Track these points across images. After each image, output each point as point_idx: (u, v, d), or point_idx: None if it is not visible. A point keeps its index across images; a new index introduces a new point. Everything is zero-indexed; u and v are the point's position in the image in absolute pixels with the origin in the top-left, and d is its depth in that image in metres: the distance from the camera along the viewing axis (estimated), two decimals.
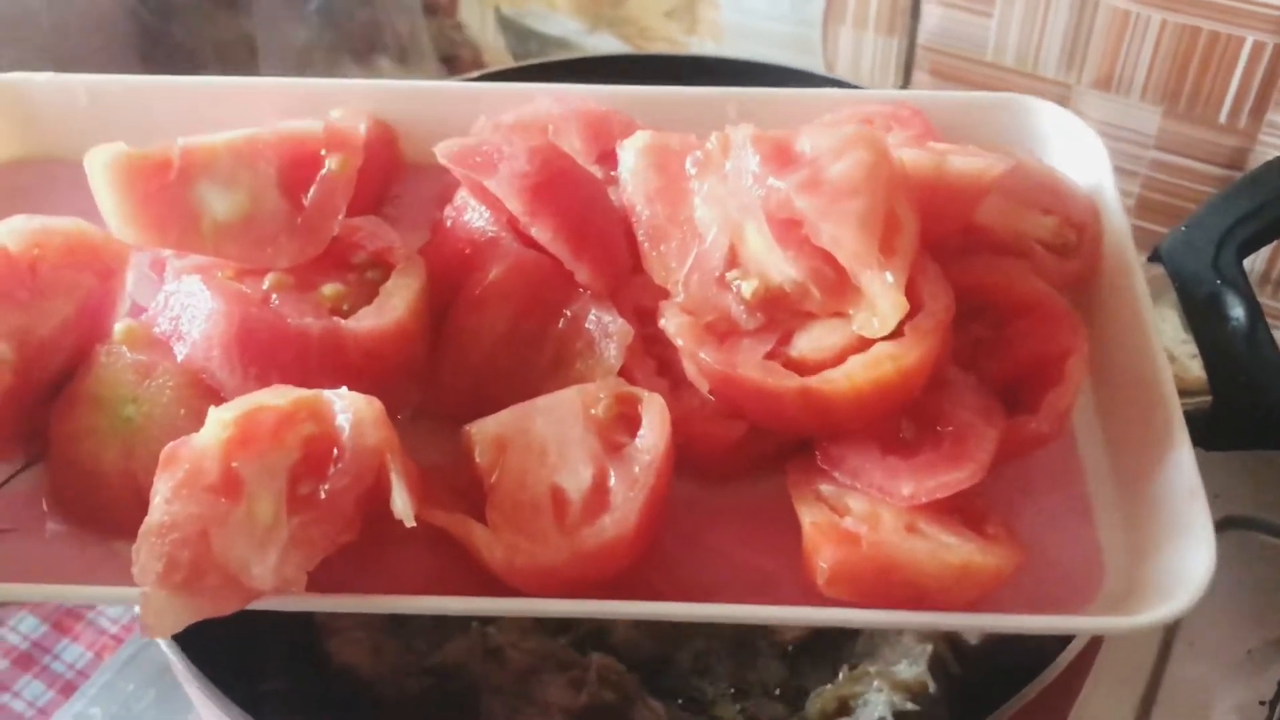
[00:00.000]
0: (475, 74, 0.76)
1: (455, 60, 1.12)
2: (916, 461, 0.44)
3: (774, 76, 0.74)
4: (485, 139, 0.50)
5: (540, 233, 0.47)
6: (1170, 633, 0.81)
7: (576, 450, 0.44)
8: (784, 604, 0.44)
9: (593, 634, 0.61)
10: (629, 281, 0.49)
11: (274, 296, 0.47)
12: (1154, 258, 0.58)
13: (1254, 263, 0.87)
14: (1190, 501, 0.45)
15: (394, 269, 0.49)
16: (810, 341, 0.45)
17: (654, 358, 0.48)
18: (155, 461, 0.43)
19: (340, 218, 0.48)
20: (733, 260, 0.46)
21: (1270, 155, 0.82)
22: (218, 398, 0.45)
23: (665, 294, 0.48)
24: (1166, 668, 0.79)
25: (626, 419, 0.45)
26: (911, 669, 0.59)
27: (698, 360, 0.45)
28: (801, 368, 0.45)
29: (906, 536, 0.42)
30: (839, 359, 0.45)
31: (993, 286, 0.48)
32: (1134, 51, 0.82)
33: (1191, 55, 0.80)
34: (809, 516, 0.43)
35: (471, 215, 0.51)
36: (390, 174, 0.57)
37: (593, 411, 0.45)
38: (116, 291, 0.50)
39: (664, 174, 0.48)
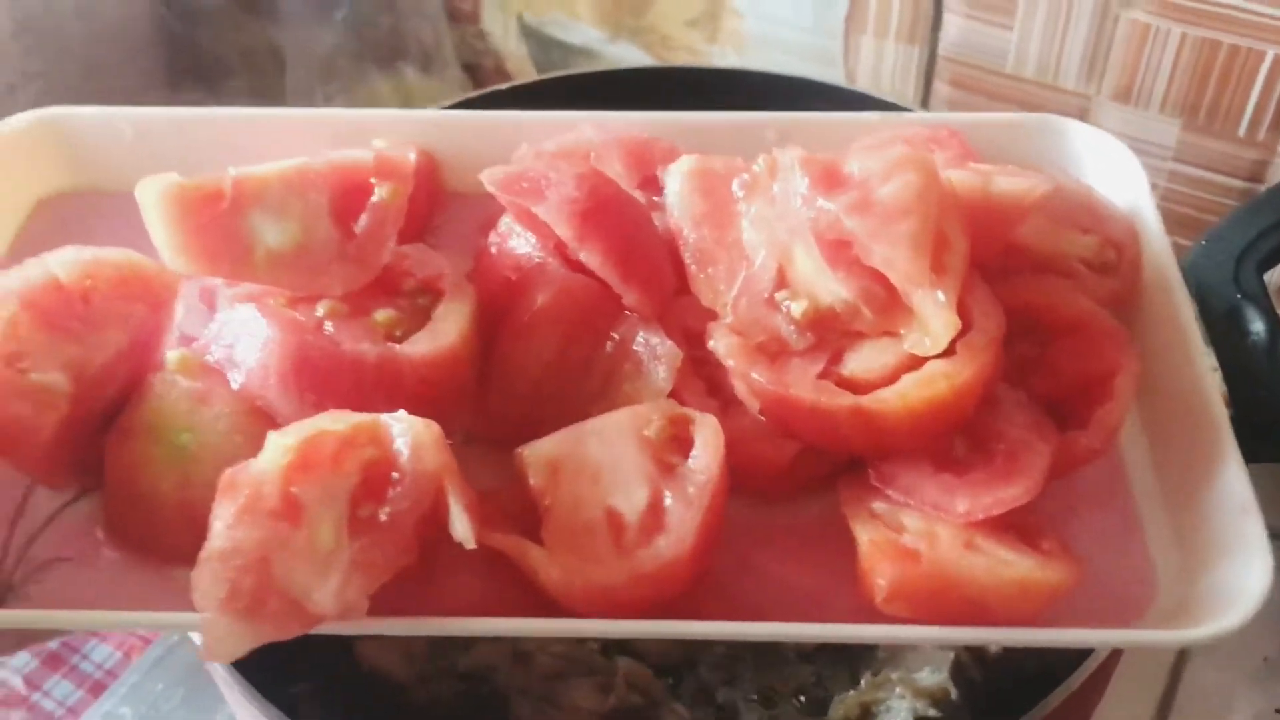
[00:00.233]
0: (503, 86, 0.76)
1: (477, 68, 1.12)
2: (971, 478, 0.44)
3: (797, 89, 0.75)
4: (530, 166, 0.51)
5: (590, 257, 0.48)
6: None
7: (630, 472, 0.45)
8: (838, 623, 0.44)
9: (619, 640, 0.62)
10: (675, 305, 0.50)
11: (327, 323, 0.47)
12: None
13: (1274, 276, 0.87)
14: (1243, 516, 0.45)
15: (444, 295, 0.49)
16: (861, 361, 0.46)
17: (703, 379, 0.48)
18: (211, 489, 0.43)
19: (391, 245, 0.49)
20: (781, 281, 0.47)
21: None
22: (273, 424, 0.46)
23: (712, 316, 0.48)
24: (1183, 676, 0.79)
25: (679, 440, 0.45)
26: (934, 676, 0.60)
27: (749, 380, 0.46)
28: (853, 387, 0.45)
29: (965, 553, 0.42)
30: (890, 378, 0.45)
31: (1039, 305, 0.49)
32: (1154, 64, 0.82)
33: (1211, 68, 0.81)
34: (866, 534, 0.43)
35: (517, 241, 0.51)
36: (433, 204, 0.57)
37: (645, 433, 0.45)
38: (167, 322, 0.51)
39: (710, 197, 0.49)
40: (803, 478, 0.47)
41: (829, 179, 0.46)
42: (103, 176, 0.59)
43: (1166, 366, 0.50)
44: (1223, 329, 0.57)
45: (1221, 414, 0.47)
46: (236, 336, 0.47)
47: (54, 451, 0.46)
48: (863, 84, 0.95)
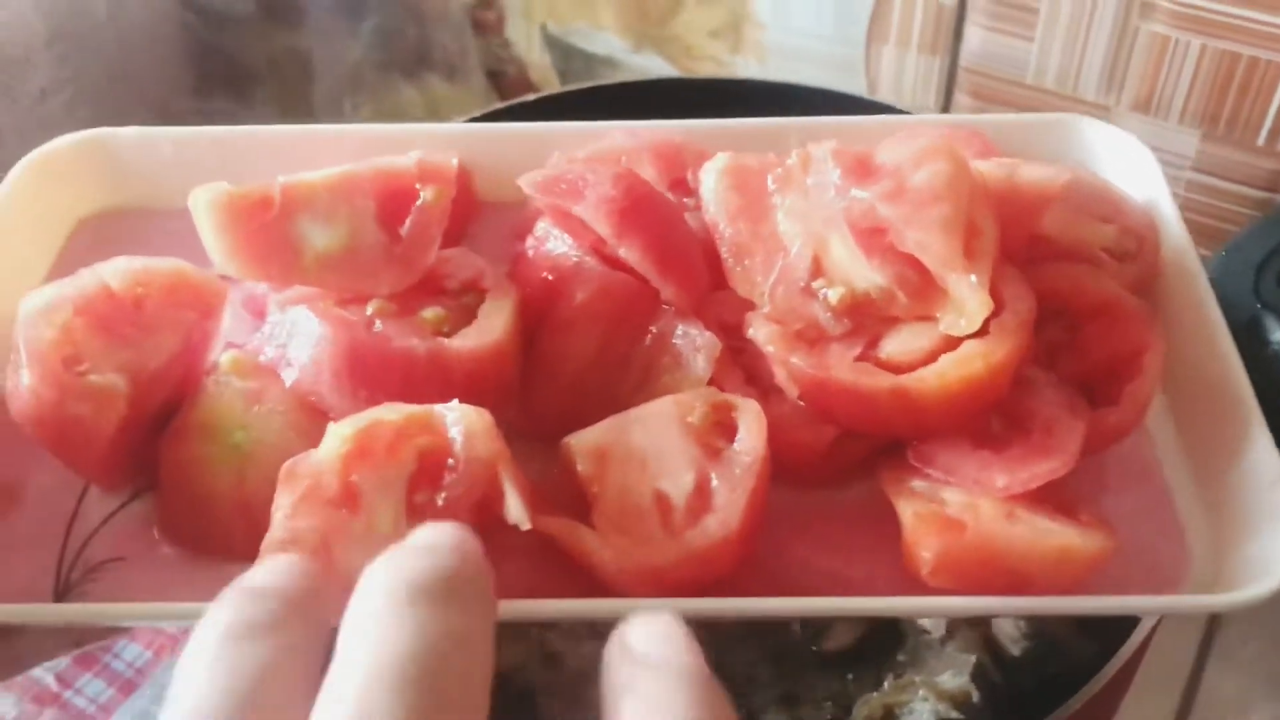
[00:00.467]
0: (530, 98, 0.78)
1: (501, 76, 1.14)
2: (1008, 454, 0.45)
3: (819, 99, 0.77)
4: (567, 169, 0.52)
5: (629, 253, 0.49)
6: (1206, 645, 0.81)
7: (676, 456, 0.46)
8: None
9: None
10: (710, 299, 0.51)
11: (377, 322, 0.49)
12: None
13: None
14: (1273, 489, 0.46)
15: (487, 293, 0.50)
16: (897, 344, 0.47)
17: (740, 369, 0.50)
18: (267, 485, 0.44)
19: (436, 246, 0.50)
20: (817, 270, 0.48)
21: None
22: (324, 421, 0.47)
23: (747, 308, 0.50)
24: (1201, 681, 0.80)
25: (722, 426, 0.47)
26: (956, 679, 0.61)
27: (789, 366, 0.47)
28: (890, 369, 0.47)
29: (1008, 524, 0.43)
30: (926, 360, 0.46)
31: (1065, 291, 0.50)
32: (1173, 75, 0.84)
33: (1231, 80, 0.83)
34: (910, 509, 0.44)
35: (554, 244, 0.53)
36: (469, 213, 0.59)
37: (689, 419, 0.47)
38: (215, 328, 0.52)
39: (745, 192, 0.51)
40: (841, 463, 0.49)
41: (861, 170, 0.47)
42: (144, 195, 0.60)
43: (1190, 348, 0.51)
44: (1243, 339, 0.57)
45: (1247, 391, 0.48)
46: (290, 336, 0.48)
47: (112, 454, 0.48)
48: (884, 94, 0.96)
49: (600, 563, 0.44)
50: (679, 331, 0.50)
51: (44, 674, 0.80)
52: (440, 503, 0.43)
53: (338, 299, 0.49)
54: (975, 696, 0.60)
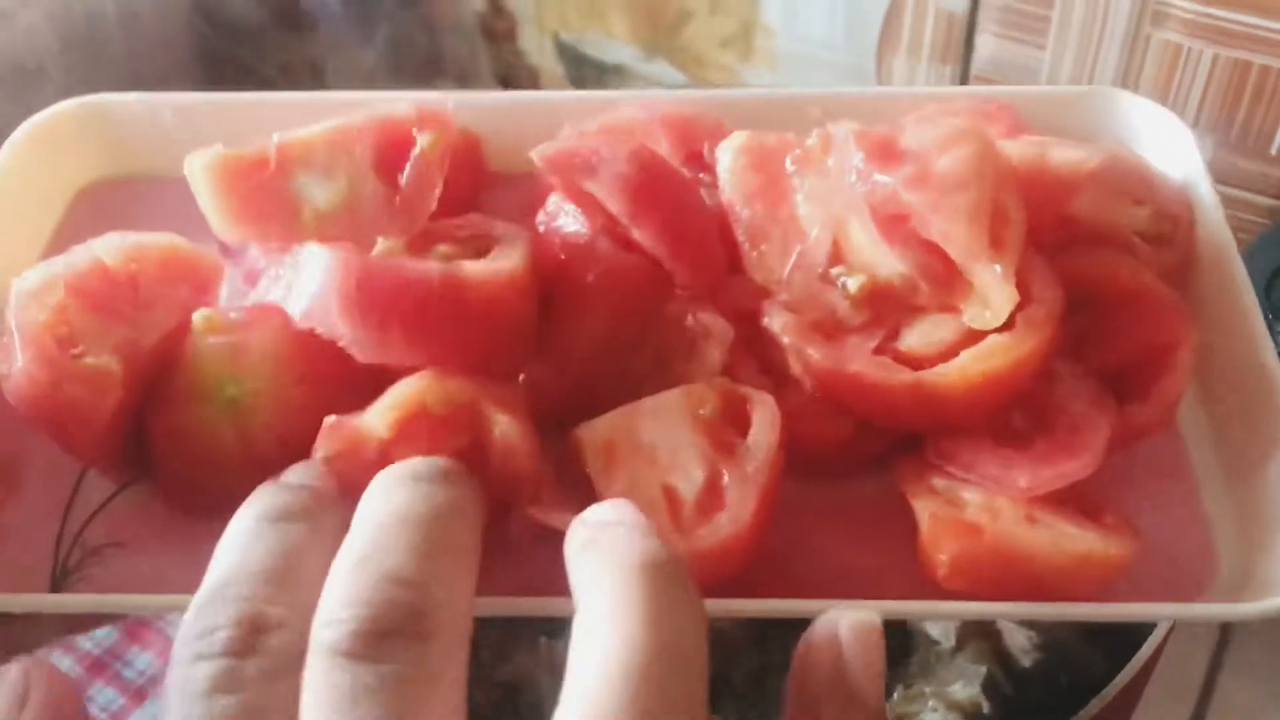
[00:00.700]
0: None
1: (513, 82, 1.13)
2: (1031, 453, 0.43)
3: None
4: (581, 142, 0.50)
5: (642, 234, 0.47)
6: (1219, 655, 0.80)
7: (687, 451, 0.44)
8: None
9: None
10: (726, 284, 0.49)
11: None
12: None
13: None
14: None
15: (499, 240, 0.49)
16: (918, 336, 0.45)
17: (755, 358, 0.48)
18: (273, 435, 0.44)
19: (437, 192, 0.49)
20: (836, 257, 0.46)
21: None
22: (323, 360, 0.45)
23: (764, 295, 0.48)
24: (1214, 692, 0.79)
25: (734, 418, 0.45)
26: (966, 690, 0.60)
27: (805, 357, 0.45)
28: (910, 363, 0.45)
29: (1028, 527, 0.42)
30: (948, 353, 0.44)
31: (1095, 278, 0.48)
32: (1185, 83, 0.83)
33: (1243, 88, 0.81)
34: (927, 510, 0.43)
35: (565, 220, 0.51)
36: (476, 183, 0.57)
37: (701, 412, 0.45)
38: (212, 304, 0.51)
39: (763, 173, 0.49)
40: (857, 456, 0.47)
41: (884, 152, 0.45)
42: (144, 162, 0.59)
43: (1224, 339, 0.49)
44: None
45: None
46: (296, 273, 0.46)
47: (109, 436, 0.46)
48: None
49: None
50: (691, 317, 0.48)
51: None
52: None
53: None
54: (986, 707, 0.59)
